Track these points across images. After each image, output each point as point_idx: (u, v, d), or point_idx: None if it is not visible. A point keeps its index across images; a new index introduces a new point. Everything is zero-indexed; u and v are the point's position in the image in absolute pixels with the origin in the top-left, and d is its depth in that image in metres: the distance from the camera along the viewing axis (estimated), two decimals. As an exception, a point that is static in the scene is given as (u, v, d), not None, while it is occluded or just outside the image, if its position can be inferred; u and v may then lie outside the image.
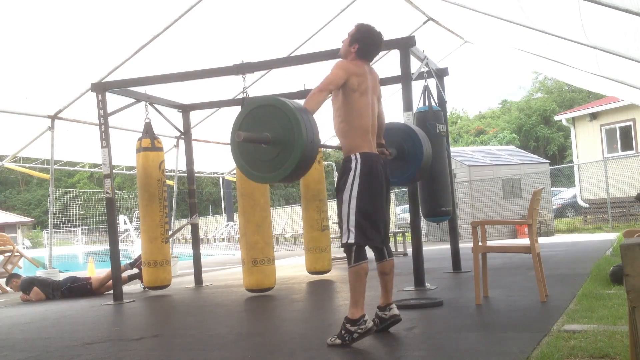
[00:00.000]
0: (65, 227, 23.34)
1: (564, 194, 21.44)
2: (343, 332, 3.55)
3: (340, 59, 3.77)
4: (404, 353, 3.41)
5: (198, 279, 8.27)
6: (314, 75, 9.13)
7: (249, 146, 3.12)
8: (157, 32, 7.73)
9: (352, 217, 3.58)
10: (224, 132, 10.26)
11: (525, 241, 5.13)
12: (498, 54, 15.70)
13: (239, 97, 7.35)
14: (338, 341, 3.54)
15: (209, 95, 9.01)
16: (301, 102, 3.53)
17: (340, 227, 3.66)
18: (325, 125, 4.26)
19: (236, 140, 3.10)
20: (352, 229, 3.57)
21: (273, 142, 3.12)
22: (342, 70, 3.62)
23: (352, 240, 3.57)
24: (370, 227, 3.63)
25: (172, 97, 8.24)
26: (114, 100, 7.30)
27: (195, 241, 8.49)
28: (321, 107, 3.57)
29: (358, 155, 3.64)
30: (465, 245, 6.82)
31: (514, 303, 4.68)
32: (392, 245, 8.89)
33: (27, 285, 7.90)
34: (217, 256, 17.10)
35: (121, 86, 7.16)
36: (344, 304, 5.24)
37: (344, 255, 3.66)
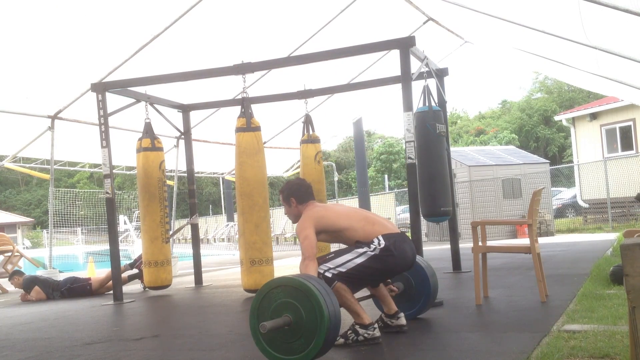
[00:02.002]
0: (65, 227, 23.34)
1: (564, 194, 21.45)
2: (349, 331, 3.56)
3: (297, 224, 3.81)
4: (404, 353, 3.41)
5: (198, 279, 8.27)
6: (314, 75, 9.19)
7: (271, 332, 3.08)
8: (157, 32, 7.72)
9: (342, 269, 3.55)
10: (224, 132, 10.31)
11: (525, 241, 5.13)
12: (498, 54, 15.71)
13: (239, 97, 7.35)
14: (342, 341, 3.54)
15: (209, 95, 9.01)
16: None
17: (326, 258, 3.62)
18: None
19: (260, 331, 3.07)
20: (335, 272, 3.54)
21: (295, 324, 3.06)
22: (306, 230, 3.66)
23: (328, 275, 3.54)
24: (349, 283, 3.59)
25: (172, 97, 8.24)
26: (114, 100, 7.29)
27: (195, 241, 8.49)
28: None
29: (381, 237, 3.64)
30: (465, 245, 6.82)
31: (514, 303, 4.68)
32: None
33: (29, 284, 7.91)
34: (217, 256, 17.10)
35: (121, 86, 7.16)
36: (344, 304, 5.24)
37: None
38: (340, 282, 3.55)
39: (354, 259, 3.58)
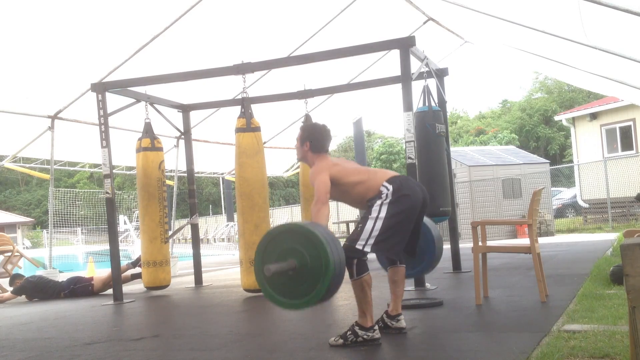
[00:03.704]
0: (65, 227, 23.33)
1: (564, 194, 21.45)
2: (349, 332, 3.54)
3: (311, 170, 3.75)
4: (404, 353, 3.41)
5: (198, 279, 8.26)
6: (314, 75, 9.19)
7: (275, 275, 3.08)
8: (157, 32, 7.72)
9: (376, 233, 3.49)
10: (224, 132, 10.31)
11: (525, 241, 5.13)
12: (498, 54, 15.69)
13: (239, 97, 7.34)
14: (340, 341, 3.54)
15: (209, 95, 9.01)
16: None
17: (357, 233, 3.53)
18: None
19: (265, 274, 3.07)
20: (372, 240, 3.48)
21: (300, 268, 3.07)
22: (322, 174, 3.61)
23: (367, 249, 3.47)
24: (389, 246, 3.57)
25: (172, 97, 8.24)
26: (114, 100, 7.29)
27: (195, 241, 8.49)
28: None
29: (386, 184, 3.59)
30: (465, 245, 6.82)
31: (514, 303, 4.68)
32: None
33: (20, 291, 7.92)
34: (217, 256, 17.10)
35: (121, 86, 7.16)
36: (344, 304, 5.24)
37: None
38: (384, 249, 3.53)
39: (377, 216, 3.51)
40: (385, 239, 3.51)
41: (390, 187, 3.57)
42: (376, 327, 3.57)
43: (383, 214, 3.51)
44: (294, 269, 3.08)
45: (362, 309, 3.52)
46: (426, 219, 4.08)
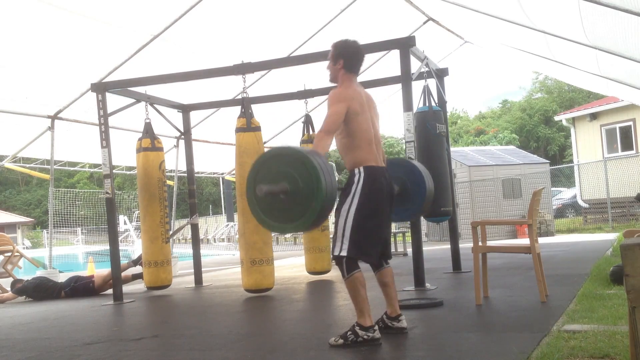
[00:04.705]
0: (65, 227, 23.33)
1: (564, 194, 21.45)
2: (349, 332, 3.53)
3: (332, 91, 3.65)
4: (404, 353, 3.41)
5: (198, 279, 8.27)
6: (314, 75, 9.16)
7: (266, 198, 3.05)
8: (157, 32, 7.72)
9: (348, 232, 3.50)
10: (224, 132, 10.31)
11: (525, 241, 5.13)
12: (498, 54, 15.69)
13: (239, 97, 7.35)
14: (341, 341, 3.53)
15: (209, 95, 9.01)
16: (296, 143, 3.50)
17: (334, 238, 3.58)
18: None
19: (257, 194, 3.03)
20: (346, 242, 3.49)
21: (292, 192, 3.05)
22: (341, 104, 3.52)
23: (344, 252, 3.49)
24: (366, 243, 3.56)
25: (172, 97, 8.24)
26: (114, 100, 7.30)
27: (195, 241, 8.49)
28: None
29: (362, 169, 3.57)
30: (465, 245, 6.82)
31: (514, 303, 4.68)
32: (392, 246, 8.87)
33: (21, 292, 7.94)
34: (217, 256, 17.10)
35: (121, 86, 7.16)
36: (344, 304, 5.24)
37: None
38: (361, 250, 3.50)
39: (347, 217, 3.50)
40: (359, 239, 3.50)
41: (362, 175, 3.54)
42: (376, 327, 3.56)
43: (352, 214, 3.50)
44: (285, 192, 3.05)
45: (359, 308, 3.53)
46: (414, 161, 4.03)
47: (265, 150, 3.24)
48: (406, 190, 4.19)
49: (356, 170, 3.58)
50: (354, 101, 3.58)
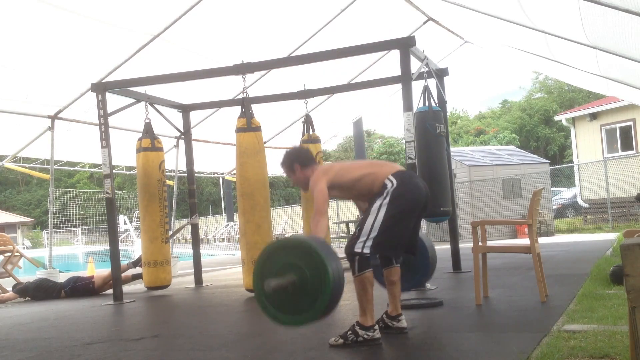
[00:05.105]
0: (65, 227, 23.33)
1: (564, 194, 21.45)
2: (349, 332, 3.54)
3: (312, 179, 3.70)
4: (404, 353, 3.41)
5: (198, 279, 8.27)
6: (314, 75, 9.19)
7: (275, 292, 3.04)
8: (157, 32, 7.72)
9: (375, 233, 3.48)
10: (224, 132, 10.31)
11: (525, 241, 5.13)
12: (498, 54, 15.70)
13: (239, 97, 7.35)
14: (341, 341, 3.53)
15: (209, 95, 9.01)
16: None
17: (357, 235, 3.53)
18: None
19: (265, 290, 3.04)
20: (370, 242, 3.48)
21: (300, 282, 3.05)
22: (320, 183, 3.60)
23: (366, 250, 3.47)
24: (389, 246, 3.58)
25: (172, 97, 8.24)
26: (114, 100, 7.29)
27: (195, 241, 8.49)
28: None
29: (391, 177, 3.60)
30: (465, 245, 6.82)
31: (514, 303, 4.67)
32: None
33: (22, 292, 7.94)
34: (217, 256, 17.10)
35: (121, 86, 7.16)
36: (344, 304, 5.24)
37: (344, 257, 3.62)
38: (384, 249, 3.52)
39: (377, 217, 3.51)
40: (384, 240, 3.51)
41: (395, 181, 3.57)
42: (376, 326, 3.56)
43: (382, 214, 3.51)
44: (293, 283, 3.05)
45: (363, 307, 3.52)
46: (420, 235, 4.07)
47: (270, 245, 3.21)
48: (409, 261, 4.22)
49: (387, 182, 3.59)
50: (329, 171, 3.69)
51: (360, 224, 3.58)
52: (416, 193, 3.63)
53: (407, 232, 3.68)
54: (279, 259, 3.12)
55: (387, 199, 3.53)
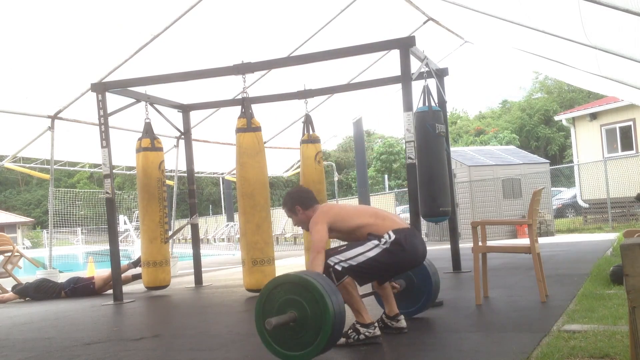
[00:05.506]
0: (65, 227, 23.31)
1: (564, 194, 21.46)
2: (350, 330, 3.56)
3: (312, 219, 3.76)
4: (404, 353, 3.41)
5: (198, 279, 8.27)
6: (314, 75, 9.18)
7: (277, 330, 3.06)
8: (157, 32, 7.72)
9: (356, 263, 3.53)
10: (224, 132, 10.31)
11: (525, 241, 5.13)
12: (498, 54, 15.70)
13: (239, 97, 7.34)
14: (342, 340, 3.53)
15: (209, 95, 9.01)
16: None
17: (339, 249, 3.60)
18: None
19: (266, 328, 3.06)
20: (347, 266, 3.52)
21: (300, 318, 3.08)
22: (320, 224, 3.65)
23: (338, 268, 3.51)
24: (364, 279, 3.63)
25: (172, 97, 8.24)
26: (114, 100, 7.29)
27: (195, 241, 8.49)
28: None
29: (391, 232, 3.62)
30: (465, 245, 6.82)
31: (514, 303, 4.68)
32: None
33: (22, 292, 7.95)
34: (217, 256, 17.10)
35: (121, 86, 7.16)
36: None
37: None
38: (350, 277, 3.54)
39: (366, 252, 3.56)
40: (358, 272, 3.55)
41: (393, 237, 3.60)
42: (376, 324, 3.60)
43: (373, 254, 3.56)
44: (294, 320, 3.08)
45: (355, 308, 3.56)
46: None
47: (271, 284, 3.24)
48: (413, 286, 4.23)
49: (386, 235, 3.61)
50: (330, 212, 3.74)
51: (349, 246, 3.64)
52: (413, 252, 3.67)
53: (382, 280, 3.80)
54: (278, 296, 3.15)
55: (385, 246, 3.58)
